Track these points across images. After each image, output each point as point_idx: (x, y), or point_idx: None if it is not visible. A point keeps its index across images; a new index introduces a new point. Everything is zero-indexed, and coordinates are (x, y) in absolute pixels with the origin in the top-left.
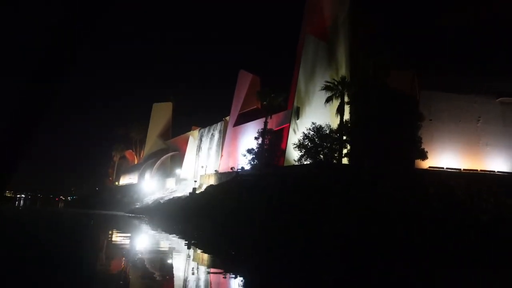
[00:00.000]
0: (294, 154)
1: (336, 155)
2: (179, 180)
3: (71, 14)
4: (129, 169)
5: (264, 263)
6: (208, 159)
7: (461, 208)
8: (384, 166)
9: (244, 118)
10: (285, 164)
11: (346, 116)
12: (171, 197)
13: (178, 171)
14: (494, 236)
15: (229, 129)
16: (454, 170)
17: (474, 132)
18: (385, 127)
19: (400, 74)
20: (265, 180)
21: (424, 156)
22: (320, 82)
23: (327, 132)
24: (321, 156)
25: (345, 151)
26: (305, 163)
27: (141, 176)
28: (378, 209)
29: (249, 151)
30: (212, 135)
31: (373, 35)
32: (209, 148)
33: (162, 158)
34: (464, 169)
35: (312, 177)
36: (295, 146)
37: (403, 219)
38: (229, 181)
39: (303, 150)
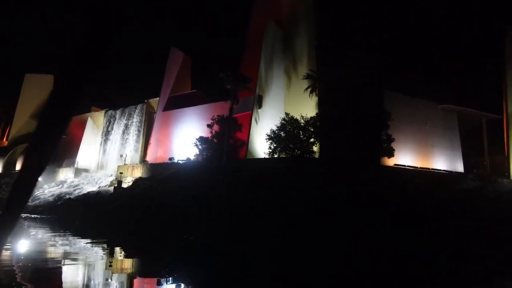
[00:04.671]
0: (257, 146)
1: (312, 149)
2: (79, 171)
3: None
4: None
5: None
6: (124, 147)
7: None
8: (353, 162)
9: (178, 102)
10: (248, 157)
11: (315, 110)
12: (84, 192)
13: (76, 160)
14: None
15: (159, 113)
16: (413, 168)
17: (423, 134)
18: (352, 123)
19: (366, 71)
20: (233, 175)
21: (390, 154)
22: (277, 71)
23: (303, 124)
24: (297, 151)
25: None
26: (275, 156)
27: (7, 163)
28: None
29: (202, 140)
30: (129, 119)
31: (338, 28)
32: (125, 134)
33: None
34: (420, 167)
35: (295, 173)
36: (267, 137)
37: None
38: (174, 174)
39: (274, 143)
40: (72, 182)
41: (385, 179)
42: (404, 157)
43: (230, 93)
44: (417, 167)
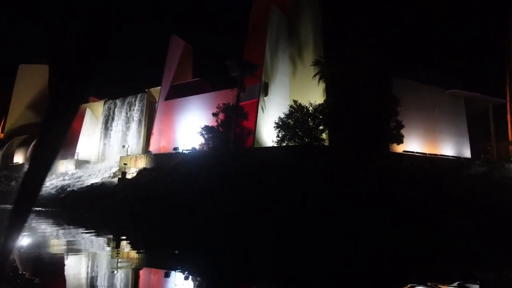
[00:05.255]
0: (264, 135)
1: (321, 136)
2: (79, 163)
3: None
4: None
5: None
6: (126, 137)
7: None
8: (362, 149)
9: (180, 91)
10: (255, 146)
11: (322, 97)
12: (87, 184)
13: (76, 151)
14: None
15: (161, 103)
16: (422, 154)
17: (431, 120)
18: (361, 110)
19: (374, 57)
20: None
21: (399, 141)
22: (282, 58)
23: (311, 111)
24: (306, 139)
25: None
26: (283, 144)
27: (4, 156)
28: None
29: (208, 129)
30: (130, 109)
31: (344, 14)
32: (126, 125)
33: None
34: (429, 154)
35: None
36: (275, 125)
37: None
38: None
39: (283, 131)
40: (74, 174)
41: (395, 166)
42: (413, 144)
43: (237, 80)
44: (426, 154)
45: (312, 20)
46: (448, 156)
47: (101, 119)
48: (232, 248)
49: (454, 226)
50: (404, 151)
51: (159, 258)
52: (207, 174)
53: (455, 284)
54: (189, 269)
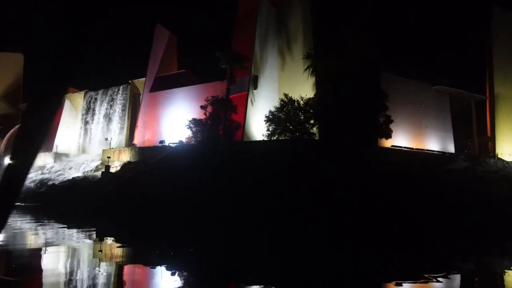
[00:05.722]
0: (253, 128)
1: (312, 130)
2: (58, 155)
3: None
4: None
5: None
6: (108, 130)
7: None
8: (352, 143)
9: (166, 83)
10: (244, 139)
11: (311, 91)
12: (69, 177)
13: (54, 144)
14: None
15: (145, 95)
16: (409, 149)
17: (418, 115)
18: (351, 104)
19: (364, 51)
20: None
21: (388, 135)
22: (271, 51)
23: (302, 105)
24: (297, 133)
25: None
26: (273, 138)
27: None
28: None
29: (196, 122)
30: (112, 100)
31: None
32: (108, 117)
33: (17, 127)
34: (416, 148)
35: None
36: (266, 119)
37: None
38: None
39: (274, 125)
40: (53, 167)
41: (384, 161)
42: (400, 139)
43: (226, 73)
44: (413, 148)
45: (301, 13)
46: (434, 151)
47: (81, 110)
48: (224, 244)
49: (439, 220)
50: (392, 145)
51: (145, 254)
52: (197, 168)
53: (440, 276)
54: (180, 267)
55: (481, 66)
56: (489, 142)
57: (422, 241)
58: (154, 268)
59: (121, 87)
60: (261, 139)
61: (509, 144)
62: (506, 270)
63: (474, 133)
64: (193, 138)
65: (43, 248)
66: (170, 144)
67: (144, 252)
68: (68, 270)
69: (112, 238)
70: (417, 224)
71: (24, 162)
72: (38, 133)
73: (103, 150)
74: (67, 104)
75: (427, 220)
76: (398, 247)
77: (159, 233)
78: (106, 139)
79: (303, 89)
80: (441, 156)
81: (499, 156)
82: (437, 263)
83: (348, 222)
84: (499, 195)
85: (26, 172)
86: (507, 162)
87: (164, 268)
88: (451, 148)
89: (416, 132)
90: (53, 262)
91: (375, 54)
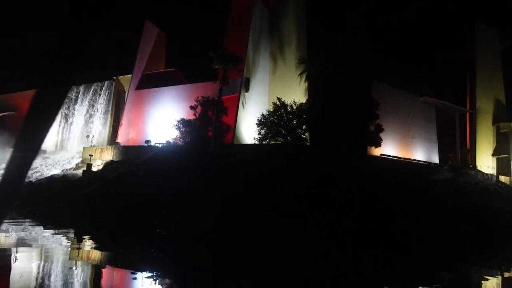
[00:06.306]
0: (244, 131)
1: (304, 135)
2: None
3: None
4: None
5: None
6: (89, 127)
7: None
8: (342, 150)
9: (153, 81)
10: (235, 142)
11: (302, 96)
12: (46, 175)
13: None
14: None
15: (131, 92)
16: (397, 158)
17: (406, 125)
18: (342, 111)
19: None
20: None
21: (377, 144)
22: (263, 54)
23: (294, 110)
24: (289, 138)
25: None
26: (264, 142)
27: None
28: None
29: (184, 122)
30: (95, 97)
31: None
32: (90, 113)
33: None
34: (403, 158)
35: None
36: (258, 122)
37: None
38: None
39: (265, 129)
40: None
41: (373, 169)
42: (388, 147)
43: (219, 73)
44: (400, 158)
45: (296, 18)
46: (420, 161)
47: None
48: (215, 247)
49: (425, 226)
50: (381, 154)
51: (126, 257)
52: (185, 168)
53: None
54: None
55: (466, 79)
56: (468, 154)
57: (405, 249)
58: (134, 273)
59: (105, 83)
60: (252, 143)
61: (487, 157)
62: (482, 281)
63: (457, 145)
64: (181, 139)
65: (14, 249)
66: (157, 144)
67: (125, 256)
68: (40, 272)
69: (91, 240)
70: (406, 233)
71: (27, 156)
72: (42, 126)
73: (84, 147)
74: None
75: (416, 232)
76: (381, 256)
77: (147, 234)
78: (88, 136)
79: (295, 93)
80: (427, 166)
81: (478, 168)
82: (418, 272)
83: (336, 227)
84: (481, 205)
85: (29, 165)
86: (486, 174)
87: (142, 273)
88: (435, 159)
89: (404, 141)
90: (23, 265)
91: (368, 61)
